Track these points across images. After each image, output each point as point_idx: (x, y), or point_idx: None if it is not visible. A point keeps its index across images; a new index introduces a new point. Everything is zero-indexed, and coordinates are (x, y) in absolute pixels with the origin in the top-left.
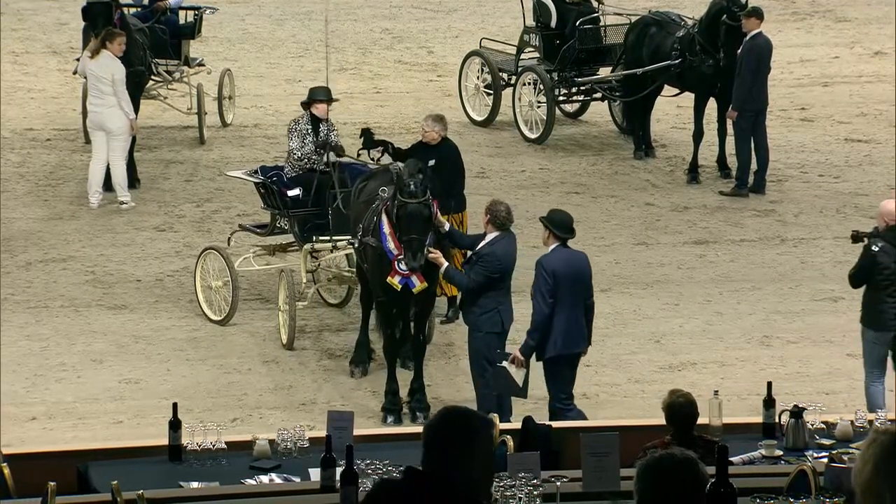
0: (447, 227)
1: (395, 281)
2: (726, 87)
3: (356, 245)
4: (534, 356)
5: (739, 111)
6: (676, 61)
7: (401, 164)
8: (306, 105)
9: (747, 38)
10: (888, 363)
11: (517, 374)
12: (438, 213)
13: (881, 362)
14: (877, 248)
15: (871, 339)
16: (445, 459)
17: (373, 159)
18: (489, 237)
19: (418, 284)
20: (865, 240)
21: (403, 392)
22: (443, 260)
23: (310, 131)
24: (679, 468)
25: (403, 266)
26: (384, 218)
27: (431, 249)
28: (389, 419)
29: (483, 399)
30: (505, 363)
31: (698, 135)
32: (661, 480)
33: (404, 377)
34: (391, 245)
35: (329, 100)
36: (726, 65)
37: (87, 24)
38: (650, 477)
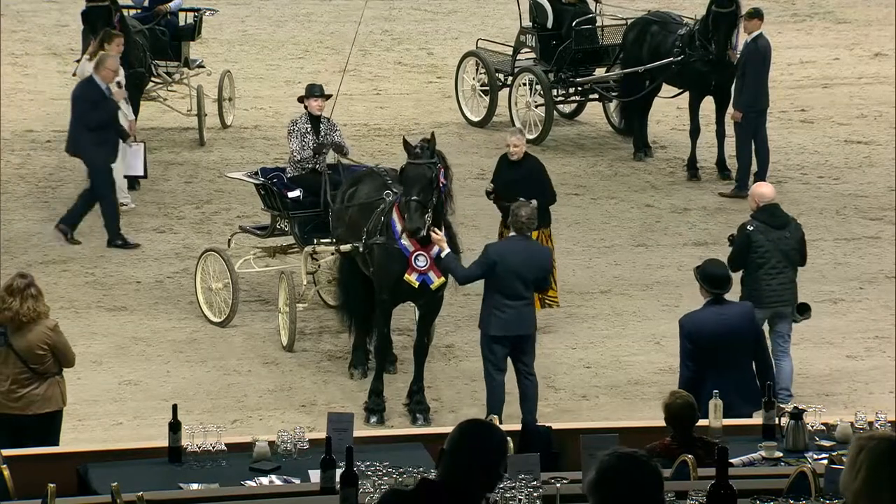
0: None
1: (412, 278)
2: (722, 86)
3: (361, 249)
4: None
5: (744, 112)
6: (678, 58)
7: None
8: (302, 100)
9: (749, 39)
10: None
11: None
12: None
13: None
14: (751, 228)
15: None
16: (463, 472)
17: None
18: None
19: (436, 280)
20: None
21: (388, 392)
22: (445, 245)
23: (309, 130)
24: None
25: (421, 262)
26: (395, 215)
27: (436, 231)
28: (372, 419)
29: (487, 397)
30: None
31: (695, 131)
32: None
33: (404, 379)
34: (406, 242)
35: (322, 95)
36: (720, 59)
37: (87, 28)
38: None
